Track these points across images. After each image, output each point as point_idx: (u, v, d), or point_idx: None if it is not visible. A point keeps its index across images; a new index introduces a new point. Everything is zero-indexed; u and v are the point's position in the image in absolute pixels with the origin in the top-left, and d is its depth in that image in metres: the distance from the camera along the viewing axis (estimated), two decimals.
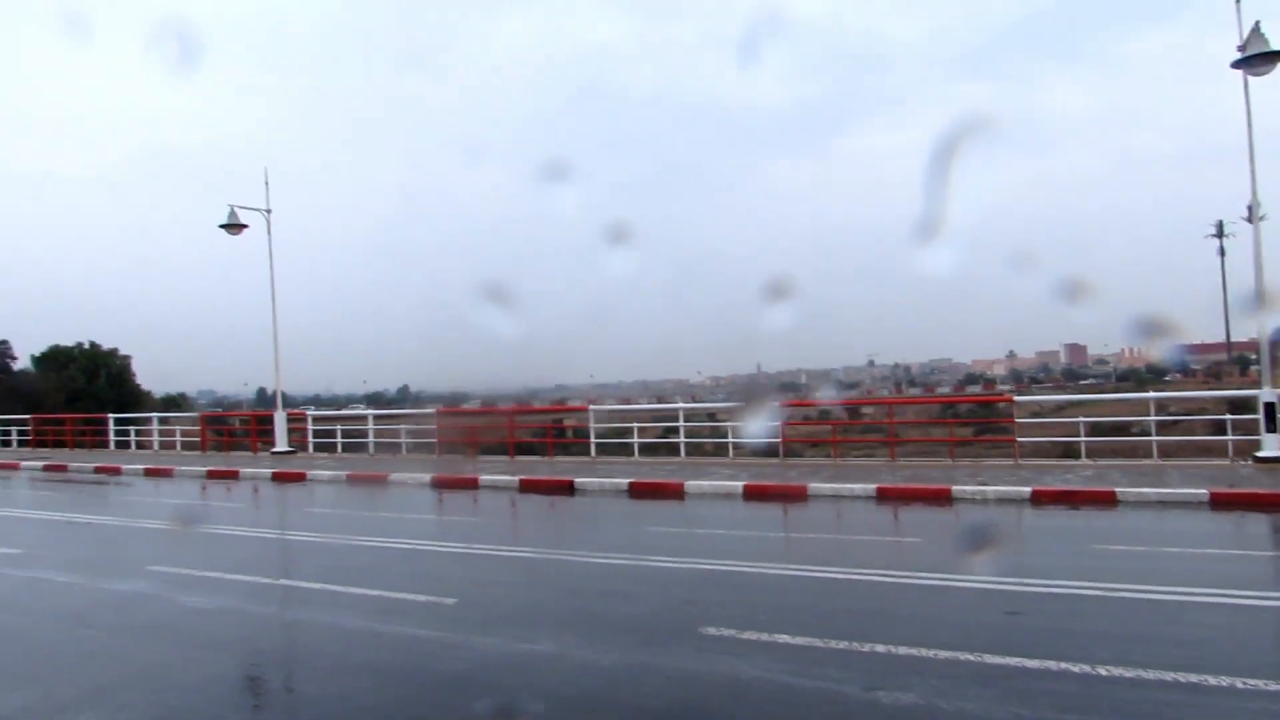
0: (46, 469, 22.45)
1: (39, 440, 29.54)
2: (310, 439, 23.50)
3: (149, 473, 20.26)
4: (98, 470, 21.38)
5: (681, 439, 18.90)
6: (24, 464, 23.21)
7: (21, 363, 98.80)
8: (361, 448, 22.92)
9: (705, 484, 14.37)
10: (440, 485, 16.39)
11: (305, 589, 7.84)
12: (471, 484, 16.23)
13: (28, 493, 18.05)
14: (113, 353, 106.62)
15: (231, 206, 22.74)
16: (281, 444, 22.96)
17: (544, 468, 17.60)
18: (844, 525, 11.28)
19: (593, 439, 19.59)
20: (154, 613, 7.18)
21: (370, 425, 22.81)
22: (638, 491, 14.55)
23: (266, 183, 23.49)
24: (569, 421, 24.52)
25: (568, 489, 15.20)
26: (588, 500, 14.39)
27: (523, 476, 16.02)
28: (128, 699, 5.17)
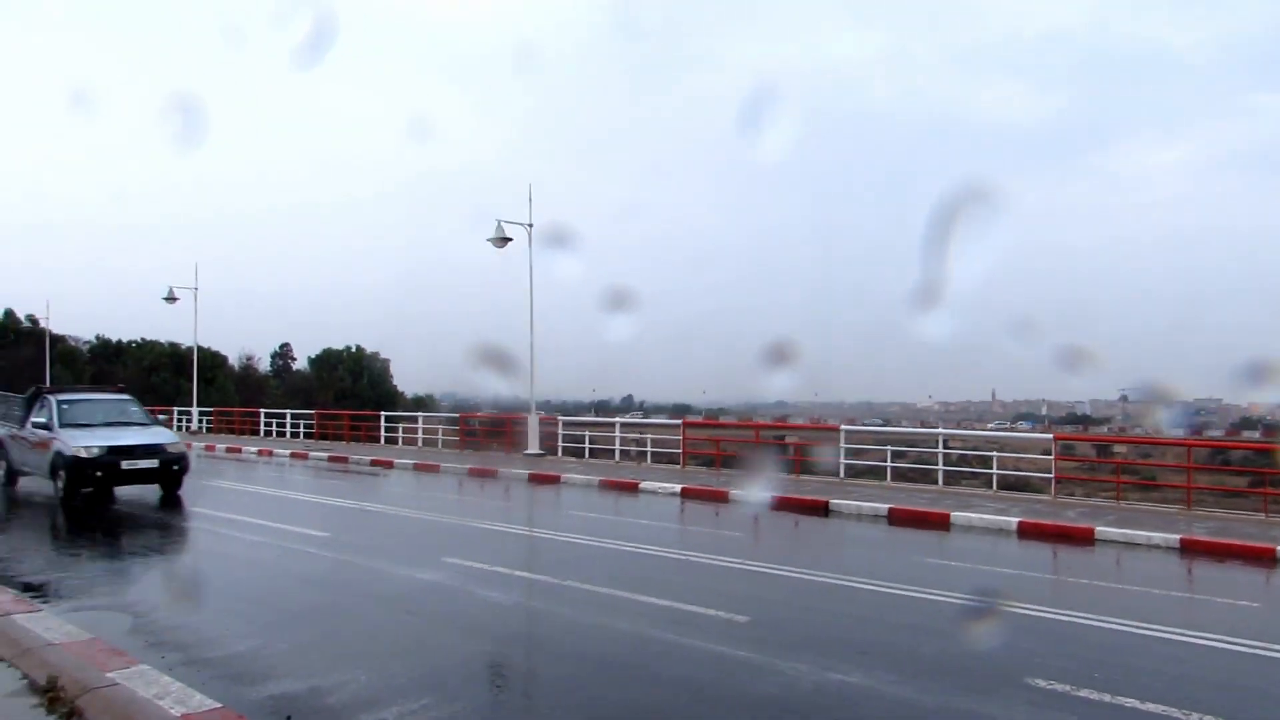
0: (330, 459, 24.72)
1: (321, 433, 32.68)
2: (560, 443, 24.42)
3: (418, 467, 21.80)
4: (373, 463, 23.29)
5: (940, 465, 17.92)
6: (311, 454, 25.69)
7: (299, 363, 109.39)
8: (606, 454, 23.55)
9: (973, 516, 13.47)
10: (690, 496, 16.44)
11: (596, 593, 7.96)
12: (721, 497, 16.16)
13: (320, 481, 19.87)
14: (375, 356, 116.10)
15: (499, 221, 24.11)
16: (533, 446, 24.01)
17: (794, 486, 17.22)
18: (1153, 578, 10.13)
19: (842, 459, 19.01)
20: (461, 605, 7.53)
21: (617, 433, 23.38)
22: (898, 519, 13.89)
23: (530, 198, 24.67)
24: (794, 439, 24.01)
25: (822, 510, 14.77)
26: (844, 524, 13.90)
27: (776, 494, 15.74)
28: (459, 689, 5.38)
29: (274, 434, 34.62)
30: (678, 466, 21.52)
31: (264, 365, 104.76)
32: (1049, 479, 16.41)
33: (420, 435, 28.45)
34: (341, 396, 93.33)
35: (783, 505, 15.17)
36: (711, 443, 22.40)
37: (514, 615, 7.20)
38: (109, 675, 5.04)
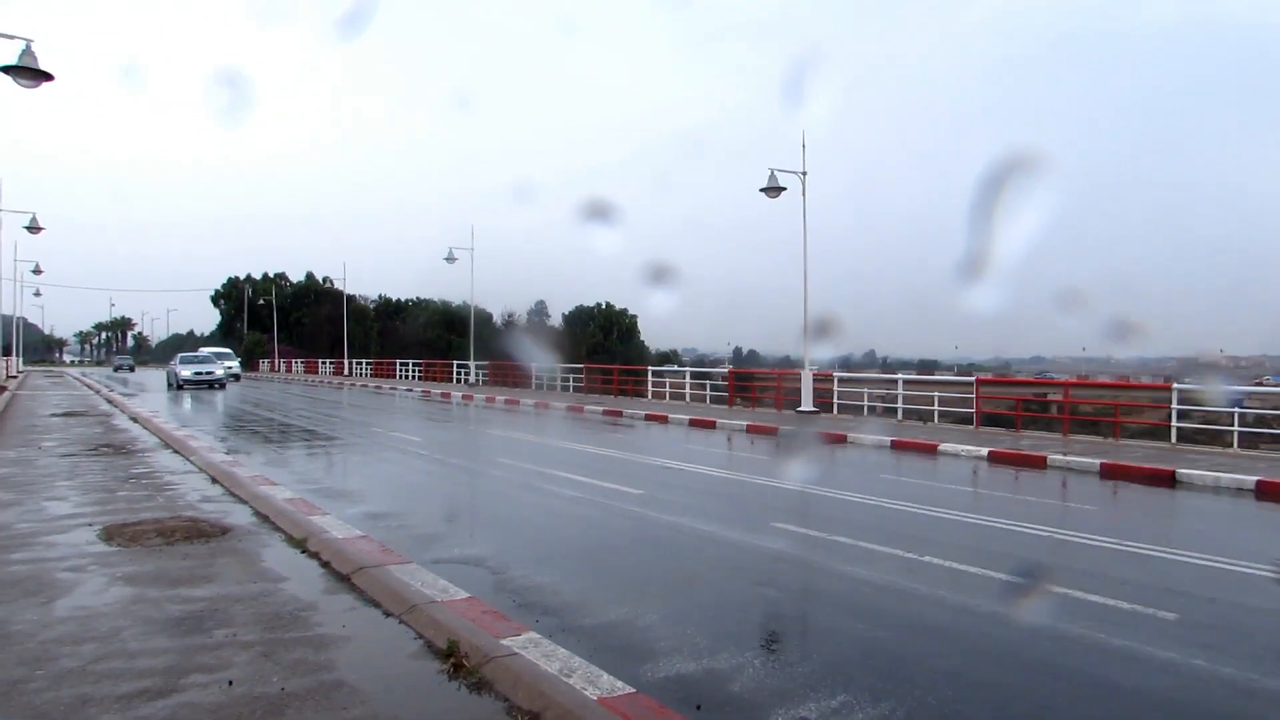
0: (605, 413, 25.14)
1: (589, 387, 33.55)
2: (836, 399, 23.39)
3: (693, 423, 21.59)
4: (648, 418, 23.39)
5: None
6: (586, 408, 26.29)
7: (553, 320, 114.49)
8: (886, 413, 22.27)
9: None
10: (999, 460, 14.94)
11: (969, 574, 7.03)
12: (1037, 462, 14.55)
13: (605, 435, 20.09)
14: (623, 312, 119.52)
15: (771, 170, 23.25)
16: (807, 403, 23.15)
17: (1117, 451, 15.21)
18: None
19: (1174, 423, 16.65)
20: (825, 582, 6.85)
21: (900, 390, 22.00)
22: (1268, 492, 11.82)
23: (804, 145, 23.61)
24: (1102, 398, 21.38)
25: (1168, 480, 12.86)
26: (1202, 498, 11.95)
27: (1103, 460, 13.95)
28: (878, 688, 4.67)
29: (544, 387, 36.04)
30: (970, 427, 19.89)
31: (522, 322, 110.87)
32: None
33: (688, 390, 28.38)
34: (593, 351, 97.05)
35: (1118, 473, 13.40)
36: (1010, 401, 20.49)
37: (896, 598, 6.42)
38: (504, 643, 4.77)
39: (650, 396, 29.90)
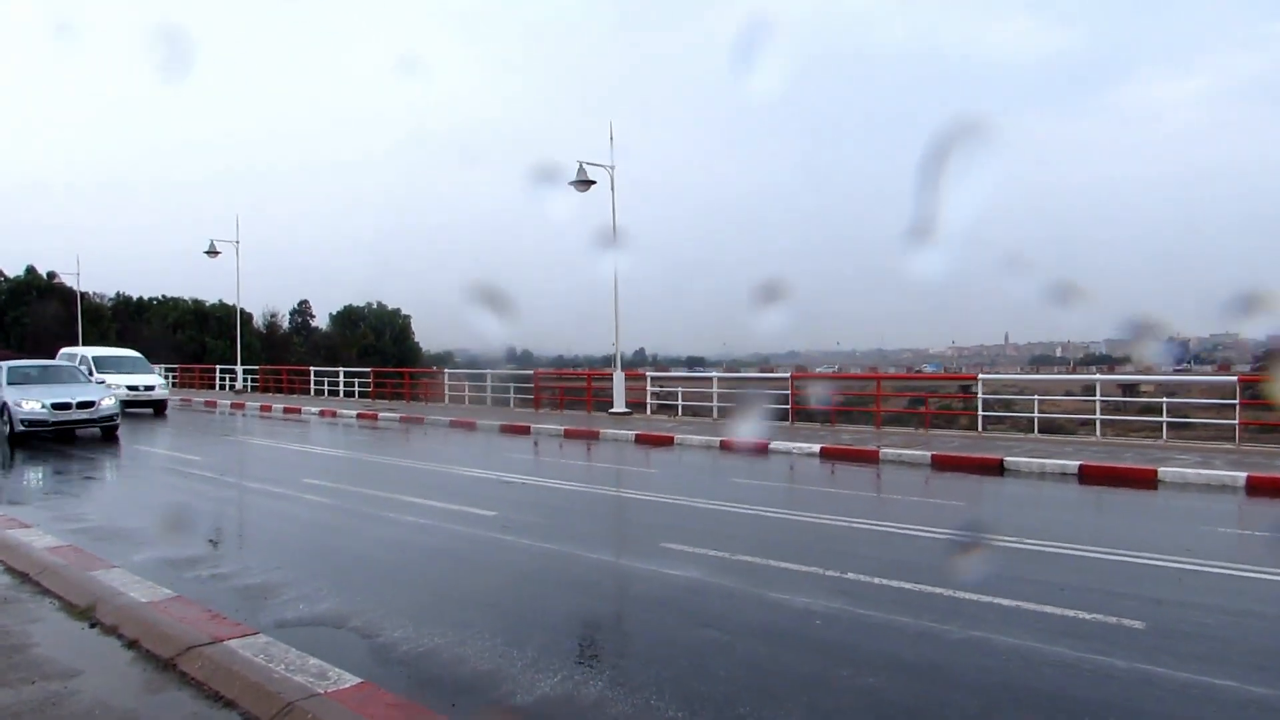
0: (403, 420, 23.25)
1: (378, 392, 31.19)
2: (649, 399, 22.90)
3: (505, 429, 20.29)
4: (453, 424, 21.80)
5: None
6: (381, 415, 24.22)
7: (319, 320, 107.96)
8: (698, 411, 22.06)
9: (1187, 472, 11.96)
10: (832, 456, 14.88)
11: (925, 594, 6.41)
12: (870, 457, 14.61)
13: (415, 445, 18.38)
14: (396, 312, 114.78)
15: (580, 163, 22.44)
16: (619, 405, 22.53)
17: (935, 443, 15.59)
18: None
19: (981, 411, 17.44)
20: (771, 618, 5.96)
21: (714, 388, 21.81)
22: (1091, 476, 12.39)
23: (611, 138, 22.99)
24: (920, 391, 22.36)
25: (996, 469, 13.22)
26: (1032, 484, 12.30)
27: (934, 452, 14.19)
28: None
29: (325, 393, 33.23)
30: (785, 423, 19.99)
31: (284, 323, 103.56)
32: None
33: (489, 394, 26.96)
34: (365, 353, 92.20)
35: (947, 464, 13.65)
36: (822, 395, 20.79)
37: (870, 633, 5.65)
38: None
39: (447, 400, 28.17)
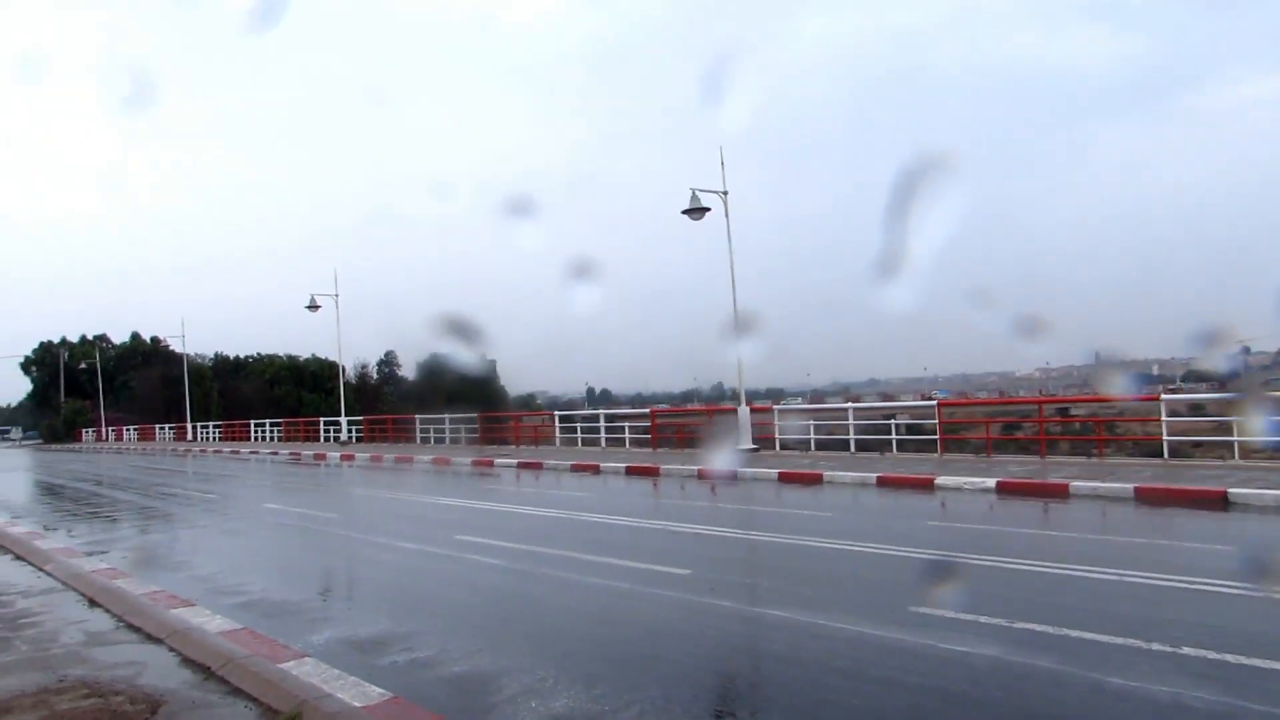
0: (520, 465, 22.46)
1: (486, 438, 30.61)
2: (777, 435, 21.65)
3: (631, 471, 19.30)
4: (574, 468, 20.89)
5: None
6: (496, 461, 23.48)
7: (405, 369, 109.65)
8: (827, 445, 20.73)
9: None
10: (1011, 491, 13.42)
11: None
12: (1059, 491, 13.11)
13: (550, 492, 17.49)
14: (480, 357, 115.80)
15: (693, 190, 21.56)
16: (746, 441, 21.34)
17: (1132, 473, 13.98)
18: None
19: (1167, 436, 15.71)
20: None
21: (850, 420, 20.45)
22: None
23: (722, 163, 22.08)
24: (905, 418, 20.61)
25: (1218, 502, 11.61)
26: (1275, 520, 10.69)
27: (1137, 485, 12.63)
28: None
29: (431, 440, 32.82)
30: (934, 455, 18.53)
31: (373, 374, 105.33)
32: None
33: (603, 435, 26.04)
34: (451, 399, 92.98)
35: (1156, 498, 12.09)
36: (973, 424, 19.28)
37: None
38: None
39: (559, 444, 27.37)
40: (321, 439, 39.59)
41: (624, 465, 20.05)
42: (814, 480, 16.01)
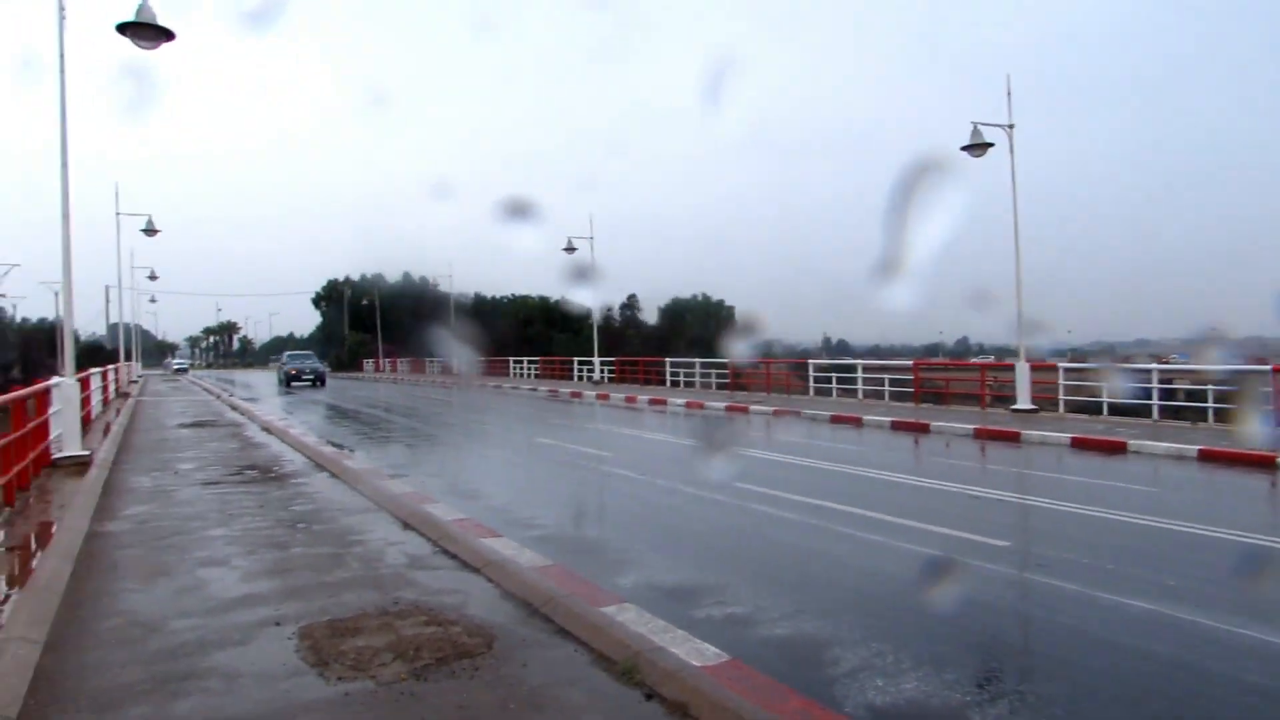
0: (775, 413, 21.96)
1: (736, 384, 30.34)
2: (1061, 395, 19.71)
3: (897, 425, 18.22)
4: (834, 419, 20.10)
5: None
6: (752, 407, 23.10)
7: (645, 314, 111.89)
8: (1119, 409, 18.54)
9: None
10: None
11: None
12: None
13: (816, 444, 16.90)
14: (720, 304, 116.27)
15: (974, 124, 19.80)
16: (1024, 401, 19.59)
17: None
18: None
19: None
20: None
21: (1154, 382, 18.17)
22: None
23: (1009, 93, 20.11)
24: None
25: None
26: None
27: None
28: None
29: (681, 384, 33.03)
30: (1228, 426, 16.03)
31: (617, 317, 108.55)
32: None
33: (860, 387, 24.95)
34: (692, 344, 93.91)
35: None
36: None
37: None
38: None
39: (812, 394, 26.58)
40: (575, 378, 41.08)
41: (888, 419, 19.02)
42: (1116, 449, 14.31)
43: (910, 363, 24.91)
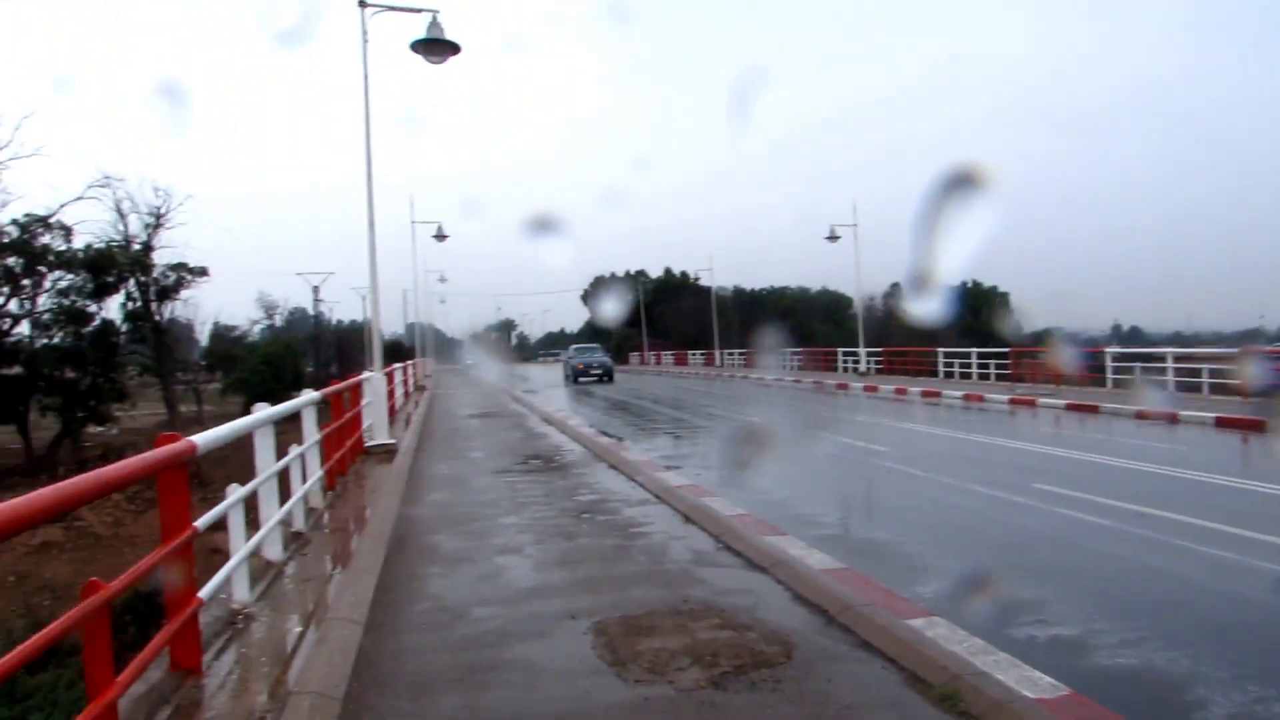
0: (1068, 407, 20.05)
1: (1017, 375, 28.13)
2: None
3: (1221, 423, 15.90)
4: (1139, 415, 17.96)
5: None
6: (1039, 400, 21.24)
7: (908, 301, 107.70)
8: None
9: None
10: None
11: None
12: None
13: (1120, 441, 15.20)
14: (992, 290, 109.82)
15: None
16: None
17: None
18: None
19: None
20: None
21: None
22: None
23: None
24: None
25: None
26: None
27: None
28: None
29: (956, 375, 31.14)
30: None
31: (880, 306, 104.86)
32: None
33: (1170, 379, 22.17)
34: (962, 334, 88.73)
35: None
36: None
37: None
38: None
39: (1110, 386, 24.00)
40: (839, 369, 40.00)
41: (1210, 415, 16.69)
42: None
43: (1235, 350, 21.75)
